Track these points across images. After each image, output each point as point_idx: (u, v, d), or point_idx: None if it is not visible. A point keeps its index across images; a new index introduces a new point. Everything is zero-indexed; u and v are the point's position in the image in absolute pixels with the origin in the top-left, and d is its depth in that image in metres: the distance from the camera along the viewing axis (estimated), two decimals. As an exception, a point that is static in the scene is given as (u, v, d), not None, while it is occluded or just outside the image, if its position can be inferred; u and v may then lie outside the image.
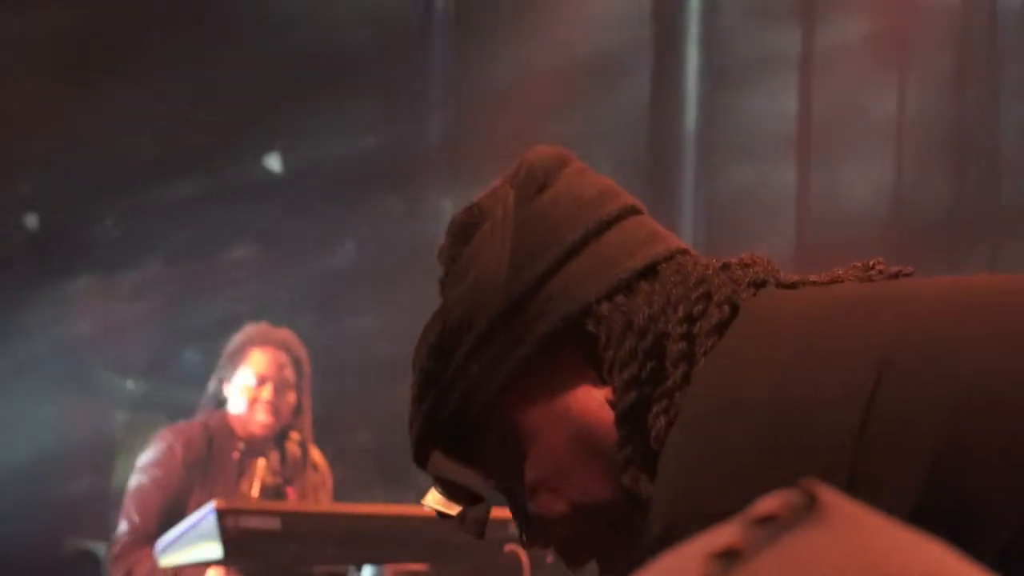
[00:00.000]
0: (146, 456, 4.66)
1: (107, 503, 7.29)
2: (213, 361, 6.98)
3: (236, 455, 4.63)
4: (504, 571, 4.03)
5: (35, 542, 6.35)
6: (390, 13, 7.40)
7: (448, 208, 6.98)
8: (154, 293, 7.20)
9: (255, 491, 4.54)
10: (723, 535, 0.54)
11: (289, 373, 4.65)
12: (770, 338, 1.33)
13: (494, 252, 1.39)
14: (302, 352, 4.71)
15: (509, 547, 4.00)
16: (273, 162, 7.29)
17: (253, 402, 4.61)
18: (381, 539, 4.14)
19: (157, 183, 6.94)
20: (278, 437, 4.66)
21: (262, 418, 4.61)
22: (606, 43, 6.75)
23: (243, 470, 4.64)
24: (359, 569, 4.10)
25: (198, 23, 7.03)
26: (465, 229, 1.43)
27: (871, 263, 1.40)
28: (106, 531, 7.28)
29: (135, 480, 4.63)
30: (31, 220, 7.10)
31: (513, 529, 1.50)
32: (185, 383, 7.08)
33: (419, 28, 7.34)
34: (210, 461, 4.62)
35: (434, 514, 1.46)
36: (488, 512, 1.41)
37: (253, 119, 7.19)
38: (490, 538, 3.90)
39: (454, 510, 1.41)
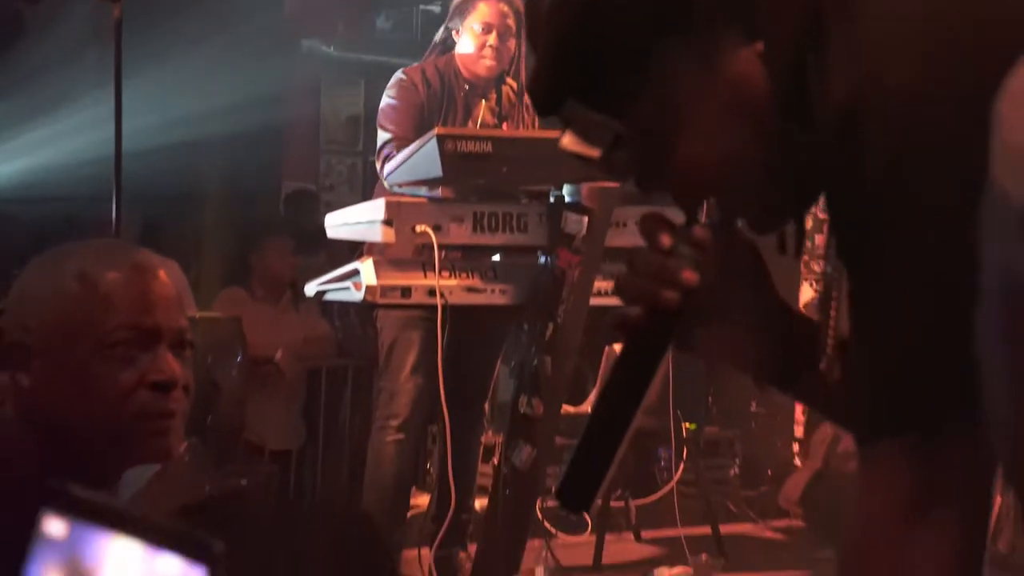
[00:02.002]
0: (389, 90, 4.72)
1: (316, 149, 7.52)
2: (403, 26, 7.00)
3: (461, 94, 4.72)
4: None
5: (258, 181, 6.54)
6: None
7: None
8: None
9: (477, 125, 4.63)
10: None
11: (511, 22, 4.69)
12: None
13: None
14: (521, 4, 4.72)
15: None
16: None
17: (480, 47, 4.67)
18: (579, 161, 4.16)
19: None
20: (497, 81, 4.74)
21: (487, 61, 4.68)
22: None
23: (468, 107, 4.73)
24: (560, 187, 4.18)
25: None
26: None
27: None
28: (316, 174, 7.53)
29: (383, 103, 4.69)
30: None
31: None
32: (378, 49, 7.15)
33: None
34: (442, 96, 4.69)
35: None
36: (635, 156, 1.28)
37: None
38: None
39: (594, 152, 1.28)
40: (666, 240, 1.27)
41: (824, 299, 1.29)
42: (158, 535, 0.84)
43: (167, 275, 1.72)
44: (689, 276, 1.25)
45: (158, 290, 1.68)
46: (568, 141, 1.29)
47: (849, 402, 1.28)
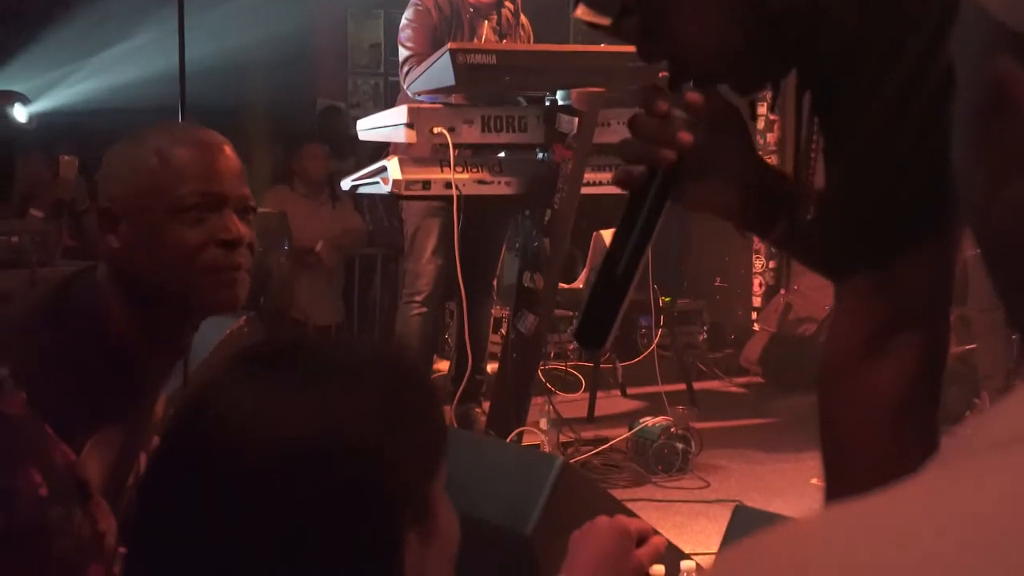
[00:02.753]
0: (408, 13, 4.67)
1: (344, 73, 7.44)
2: None
3: (467, 16, 4.67)
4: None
5: (296, 99, 6.46)
6: None
7: None
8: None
9: (482, 42, 4.57)
10: None
11: None
12: None
13: None
14: None
15: (662, 74, 4.01)
16: None
17: None
18: (570, 70, 4.14)
19: None
20: (497, 4, 4.69)
21: None
22: None
23: (472, 27, 4.68)
24: (554, 92, 4.14)
25: None
26: None
27: None
28: (345, 93, 7.46)
29: (403, 25, 4.65)
30: None
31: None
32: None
33: None
34: (451, 18, 4.64)
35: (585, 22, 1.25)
36: (640, 25, 1.25)
37: None
38: (648, 67, 3.91)
39: (605, 20, 1.23)
40: (662, 106, 1.23)
41: (804, 154, 1.27)
42: None
43: (230, 151, 1.70)
44: (684, 137, 1.22)
45: (223, 162, 1.67)
46: (581, 11, 1.24)
47: (823, 242, 1.26)
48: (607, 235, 5.41)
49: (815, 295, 5.78)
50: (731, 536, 2.01)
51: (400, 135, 4.10)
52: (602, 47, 4.16)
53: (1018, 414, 0.46)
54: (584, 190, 4.17)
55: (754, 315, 6.53)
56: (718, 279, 6.82)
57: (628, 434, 4.38)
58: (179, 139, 1.68)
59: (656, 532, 1.46)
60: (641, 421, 4.40)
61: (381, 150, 4.66)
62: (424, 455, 0.92)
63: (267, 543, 0.85)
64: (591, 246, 5.45)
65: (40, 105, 5.64)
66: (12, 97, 5.22)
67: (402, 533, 0.88)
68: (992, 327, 4.55)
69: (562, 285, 4.86)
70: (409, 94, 4.38)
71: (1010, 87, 0.53)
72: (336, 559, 0.86)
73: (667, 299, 5.56)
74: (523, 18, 4.81)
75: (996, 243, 0.56)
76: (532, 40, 4.80)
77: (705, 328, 6.43)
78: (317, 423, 0.87)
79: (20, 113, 5.23)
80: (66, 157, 5.10)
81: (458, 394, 4.52)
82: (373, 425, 0.89)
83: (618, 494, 3.33)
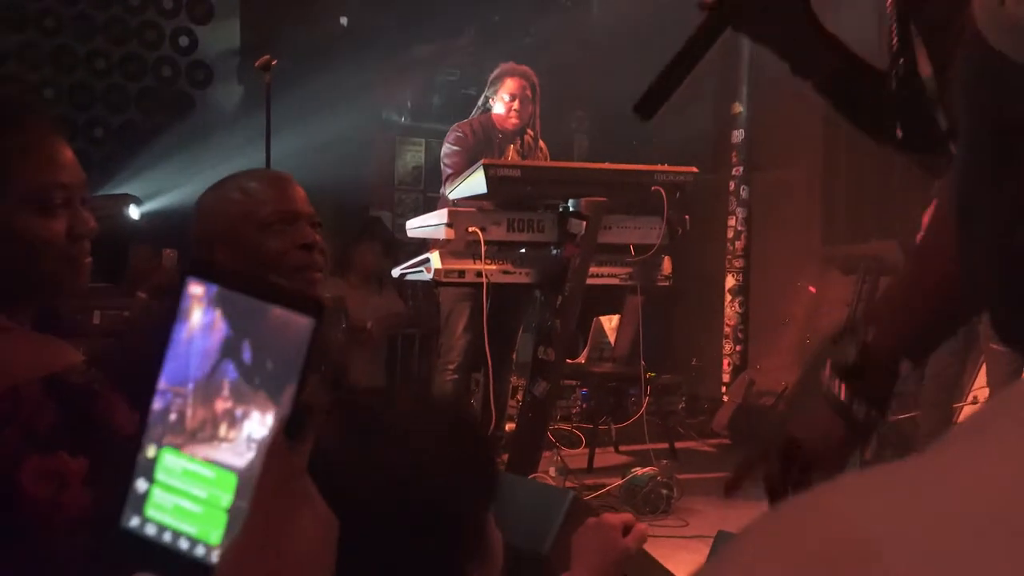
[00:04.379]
0: (450, 136, 4.80)
1: (392, 188, 7.52)
2: (450, 104, 7.00)
3: (496, 140, 4.79)
4: (654, 197, 4.14)
5: (346, 211, 6.50)
6: None
7: None
8: (420, 69, 7.07)
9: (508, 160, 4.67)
10: None
11: (529, 92, 4.78)
12: None
13: None
14: (536, 79, 4.82)
15: (654, 188, 4.07)
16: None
17: (508, 110, 4.76)
18: (579, 183, 4.22)
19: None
20: (520, 131, 4.81)
21: (513, 120, 4.77)
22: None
23: (501, 150, 4.80)
24: (566, 201, 4.22)
25: None
26: None
27: None
28: (392, 203, 7.53)
29: (445, 147, 4.77)
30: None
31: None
32: (433, 118, 7.18)
33: None
34: (484, 141, 4.76)
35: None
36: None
37: None
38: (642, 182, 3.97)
39: None
40: None
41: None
42: (275, 294, 0.75)
43: (296, 183, 1.76)
44: None
45: (292, 189, 1.73)
46: None
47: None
48: (605, 320, 5.44)
49: (774, 373, 5.79)
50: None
51: (441, 233, 4.17)
52: (605, 165, 4.23)
53: None
54: (588, 281, 4.20)
55: (723, 388, 6.51)
56: (694, 359, 6.83)
57: (621, 481, 4.37)
58: (255, 177, 1.75)
59: (637, 521, 1.47)
60: (632, 471, 4.39)
61: (416, 250, 4.68)
62: (485, 490, 0.93)
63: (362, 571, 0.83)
64: (591, 329, 5.48)
65: (150, 206, 5.73)
66: (129, 199, 5.32)
67: (465, 555, 0.90)
68: (936, 404, 4.43)
69: (568, 360, 4.88)
70: (448, 199, 4.46)
71: None
72: None
73: (653, 374, 5.56)
74: (541, 142, 4.92)
75: (1011, 273, 0.48)
76: (548, 159, 4.89)
77: (684, 398, 6.41)
78: (407, 467, 0.88)
79: (134, 212, 5.32)
80: (167, 250, 5.18)
81: (481, 448, 4.51)
82: (451, 468, 0.90)
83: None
